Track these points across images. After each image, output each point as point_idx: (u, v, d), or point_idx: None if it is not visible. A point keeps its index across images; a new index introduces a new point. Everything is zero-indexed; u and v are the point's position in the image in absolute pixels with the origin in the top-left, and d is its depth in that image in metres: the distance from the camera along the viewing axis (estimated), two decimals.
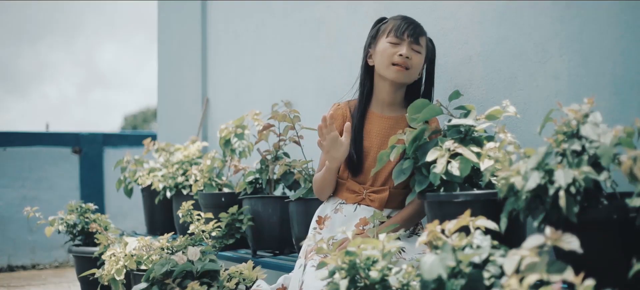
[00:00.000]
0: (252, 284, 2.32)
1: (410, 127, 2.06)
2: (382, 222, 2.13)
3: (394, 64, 2.20)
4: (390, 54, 2.20)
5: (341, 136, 2.20)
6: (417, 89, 2.32)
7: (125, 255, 2.67)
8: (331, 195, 2.32)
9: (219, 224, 2.74)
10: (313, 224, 2.31)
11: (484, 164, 1.77)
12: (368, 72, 2.31)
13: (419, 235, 2.23)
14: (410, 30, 2.21)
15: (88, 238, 3.39)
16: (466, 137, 1.89)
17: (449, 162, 1.81)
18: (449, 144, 1.83)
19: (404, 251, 2.08)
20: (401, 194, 2.23)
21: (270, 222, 2.71)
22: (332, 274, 1.55)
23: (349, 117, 2.29)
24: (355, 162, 2.25)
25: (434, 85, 2.34)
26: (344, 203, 2.26)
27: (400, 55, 2.19)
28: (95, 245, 3.15)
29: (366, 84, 2.30)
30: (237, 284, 2.34)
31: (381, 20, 2.33)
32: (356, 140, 2.25)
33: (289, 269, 2.35)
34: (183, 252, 2.36)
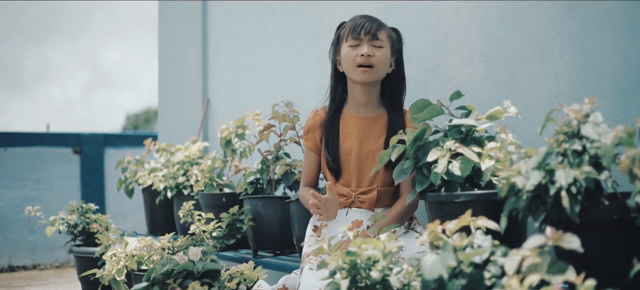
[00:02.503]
0: (253, 284, 2.32)
1: (389, 124, 2.13)
2: (382, 222, 2.13)
3: (358, 66, 2.20)
4: (353, 57, 2.21)
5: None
6: (392, 83, 2.31)
7: (126, 255, 2.67)
8: None
9: (219, 224, 2.74)
10: (309, 231, 2.32)
11: (485, 164, 1.77)
12: (340, 78, 2.32)
13: (415, 231, 2.24)
14: (367, 27, 2.21)
15: (89, 238, 3.39)
16: (467, 137, 1.89)
17: (450, 162, 1.81)
18: (450, 144, 1.83)
19: (401, 249, 2.09)
20: (389, 192, 2.24)
21: (271, 222, 2.71)
22: (333, 274, 1.55)
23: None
24: (338, 167, 2.27)
25: (405, 76, 2.33)
26: None
27: (362, 55, 2.19)
28: (96, 245, 3.15)
29: (337, 90, 2.32)
30: (238, 284, 2.34)
31: (340, 26, 2.33)
32: (334, 144, 2.27)
33: (290, 269, 2.36)
34: (184, 252, 2.36)
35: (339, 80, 2.33)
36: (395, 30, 2.33)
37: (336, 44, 2.31)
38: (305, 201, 2.34)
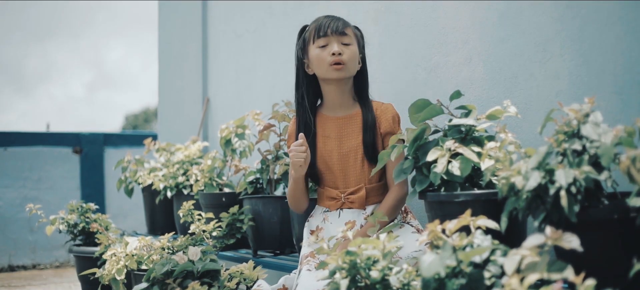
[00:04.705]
0: (253, 284, 2.32)
1: (364, 120, 2.21)
2: (384, 221, 2.13)
3: (331, 65, 2.20)
4: (324, 57, 2.21)
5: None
6: (360, 79, 2.31)
7: (126, 255, 2.67)
8: (317, 206, 2.35)
9: (219, 223, 2.74)
10: (306, 235, 2.32)
11: (485, 164, 1.77)
12: (311, 81, 2.31)
13: (410, 224, 2.24)
14: (333, 26, 2.22)
15: (89, 238, 3.39)
16: (467, 136, 1.89)
17: (449, 161, 1.81)
18: (450, 143, 1.83)
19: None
20: (378, 188, 2.25)
21: (271, 222, 2.71)
22: (332, 274, 1.55)
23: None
24: (322, 170, 2.28)
25: (368, 73, 2.33)
26: (328, 211, 2.28)
27: (333, 53, 2.19)
28: (96, 245, 3.15)
29: (310, 92, 2.31)
30: (237, 284, 2.34)
31: (304, 29, 2.34)
32: (314, 148, 2.28)
33: (289, 269, 2.36)
34: (184, 252, 2.36)
35: (309, 85, 2.32)
36: (357, 28, 2.34)
37: (302, 48, 2.31)
38: (290, 196, 2.33)
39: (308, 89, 2.32)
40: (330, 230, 2.23)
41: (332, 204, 2.27)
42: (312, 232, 2.29)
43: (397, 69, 2.71)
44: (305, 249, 2.22)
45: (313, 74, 2.30)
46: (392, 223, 2.19)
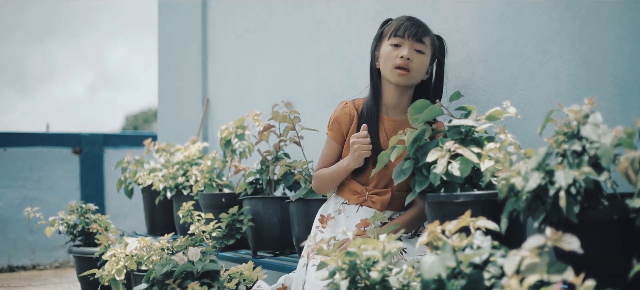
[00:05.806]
0: (253, 284, 2.32)
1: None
2: (384, 223, 2.13)
3: (396, 67, 2.18)
4: (393, 57, 2.18)
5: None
6: (426, 90, 2.29)
7: (126, 255, 2.67)
8: (334, 195, 2.31)
9: (219, 224, 2.74)
10: (316, 222, 2.30)
11: (485, 165, 1.77)
12: (376, 74, 2.29)
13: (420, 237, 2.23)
14: (412, 30, 2.18)
15: (88, 238, 3.39)
16: (467, 137, 1.89)
17: (449, 162, 1.81)
18: (450, 144, 1.83)
19: (405, 252, 2.08)
20: (403, 197, 2.22)
21: (271, 222, 2.71)
22: (332, 274, 1.55)
23: (356, 116, 2.28)
24: (363, 163, 2.23)
25: (443, 84, 2.30)
26: (346, 203, 2.26)
27: (402, 57, 2.16)
28: (96, 245, 3.15)
29: (377, 86, 2.28)
30: (237, 285, 2.34)
31: (386, 22, 2.31)
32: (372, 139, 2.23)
33: (289, 269, 2.35)
34: (183, 253, 2.36)
35: (374, 77, 2.28)
36: (439, 38, 2.30)
37: (378, 40, 2.28)
38: (325, 177, 2.29)
39: (376, 82, 2.28)
40: (343, 221, 2.21)
41: (353, 197, 2.24)
42: (322, 218, 2.27)
43: None
44: (312, 239, 2.19)
45: (379, 69, 2.26)
46: (402, 234, 2.16)
